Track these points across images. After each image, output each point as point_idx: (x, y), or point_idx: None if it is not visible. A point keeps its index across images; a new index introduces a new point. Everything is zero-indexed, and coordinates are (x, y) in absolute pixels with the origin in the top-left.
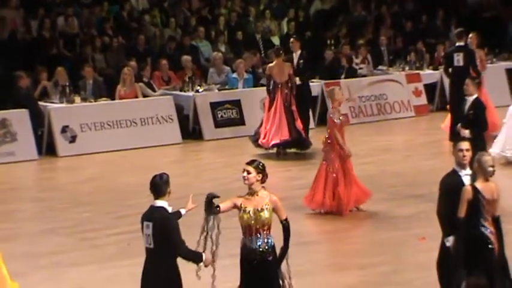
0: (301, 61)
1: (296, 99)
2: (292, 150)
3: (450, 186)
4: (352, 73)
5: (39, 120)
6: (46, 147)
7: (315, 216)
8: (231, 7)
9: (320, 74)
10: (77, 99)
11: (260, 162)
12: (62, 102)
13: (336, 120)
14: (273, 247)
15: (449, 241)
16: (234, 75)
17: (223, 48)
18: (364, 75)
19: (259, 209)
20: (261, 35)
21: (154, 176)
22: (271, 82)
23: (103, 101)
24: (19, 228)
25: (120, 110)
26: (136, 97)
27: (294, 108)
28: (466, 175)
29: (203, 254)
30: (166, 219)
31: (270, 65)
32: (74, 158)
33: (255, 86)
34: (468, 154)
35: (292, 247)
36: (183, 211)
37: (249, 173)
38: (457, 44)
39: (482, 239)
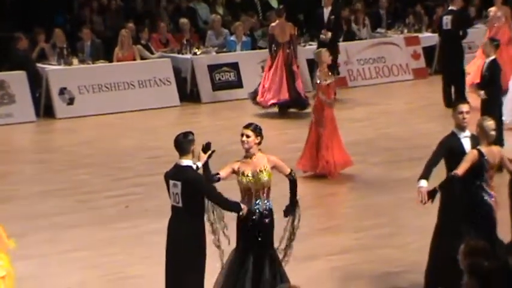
0: (332, 17)
1: None
2: (292, 110)
3: (448, 147)
4: (350, 36)
5: (37, 82)
6: (44, 109)
7: (310, 180)
8: None
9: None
10: (75, 61)
11: (257, 125)
12: (59, 64)
13: (320, 82)
14: (270, 210)
15: (420, 183)
16: (232, 37)
17: (221, 11)
18: (363, 38)
19: (258, 170)
20: None
21: (179, 134)
22: (273, 42)
23: (101, 63)
24: (17, 190)
25: (118, 72)
26: (134, 59)
27: (294, 68)
28: (465, 137)
29: (241, 203)
30: (196, 179)
31: (272, 24)
32: (71, 120)
33: (253, 49)
34: (468, 116)
35: None
36: (199, 164)
37: (248, 136)
38: (450, 7)
39: (482, 202)
